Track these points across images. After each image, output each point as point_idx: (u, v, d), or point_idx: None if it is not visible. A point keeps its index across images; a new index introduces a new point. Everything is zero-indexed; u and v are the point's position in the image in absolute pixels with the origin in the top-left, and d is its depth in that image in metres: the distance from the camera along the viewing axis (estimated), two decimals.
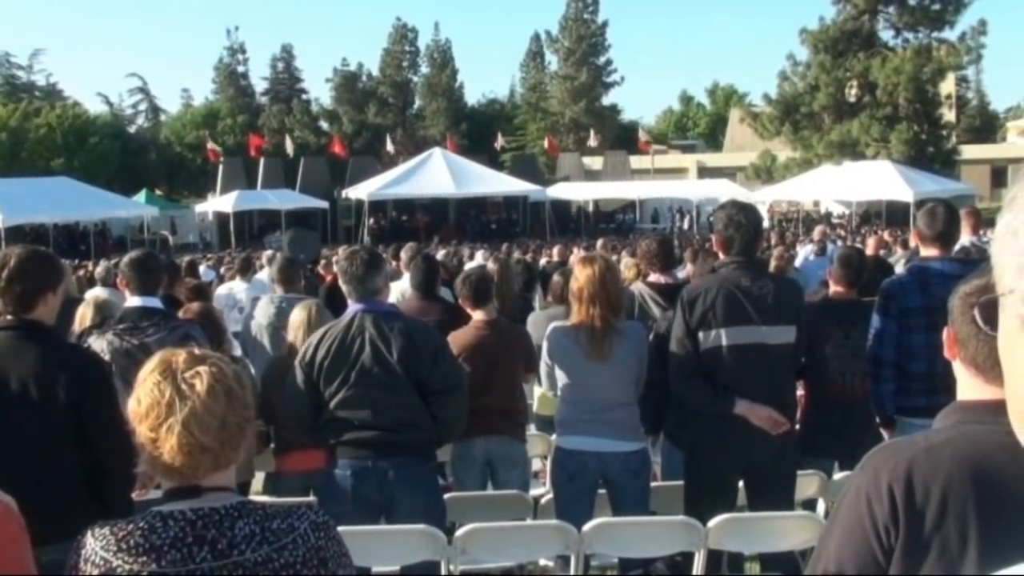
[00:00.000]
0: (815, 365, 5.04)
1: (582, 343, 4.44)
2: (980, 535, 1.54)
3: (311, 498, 4.70)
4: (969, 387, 1.73)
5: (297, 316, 5.09)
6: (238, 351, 6.46)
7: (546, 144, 45.38)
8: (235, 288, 10.76)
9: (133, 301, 4.53)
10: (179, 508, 1.87)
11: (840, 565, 1.64)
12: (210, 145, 44.57)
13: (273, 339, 6.13)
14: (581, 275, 4.47)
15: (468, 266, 11.69)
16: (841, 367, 5.03)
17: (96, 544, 1.82)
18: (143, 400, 1.88)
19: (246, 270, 11.44)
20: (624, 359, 4.46)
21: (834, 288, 5.32)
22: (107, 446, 3.18)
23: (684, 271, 7.32)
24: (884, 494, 1.60)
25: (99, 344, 4.31)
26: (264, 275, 10.70)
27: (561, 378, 4.59)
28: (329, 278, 10.04)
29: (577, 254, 12.21)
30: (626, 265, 7.12)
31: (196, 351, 1.95)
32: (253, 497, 3.27)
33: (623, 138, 56.19)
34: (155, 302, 4.58)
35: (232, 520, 1.86)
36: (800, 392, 5.22)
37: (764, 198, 33.87)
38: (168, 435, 1.84)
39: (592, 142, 44.42)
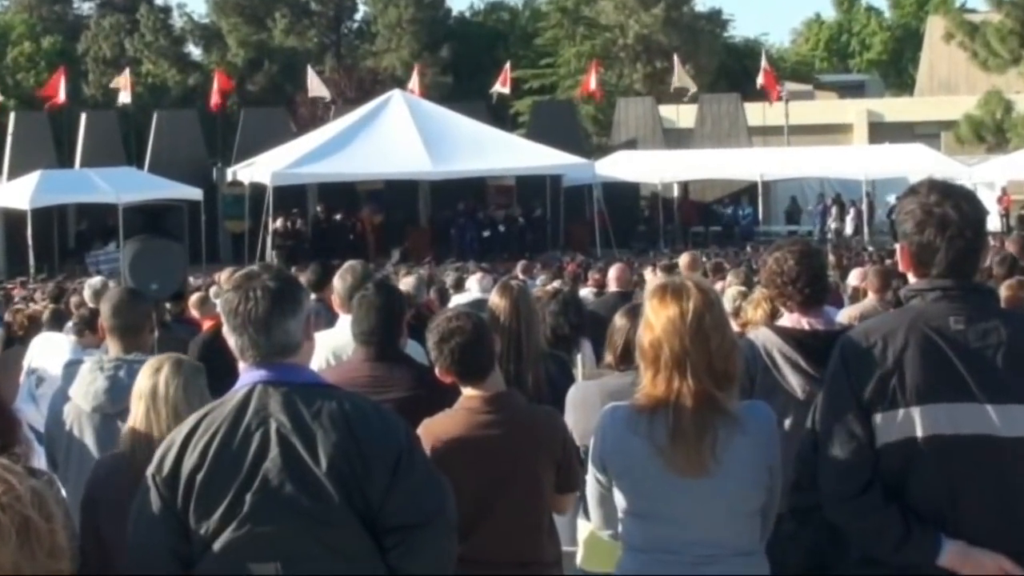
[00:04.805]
0: None
1: (661, 442, 4.44)
2: None
3: None
4: None
5: (142, 384, 5.08)
6: (41, 459, 6.47)
7: (592, 83, 45.50)
8: (38, 346, 10.78)
9: None
10: None
11: None
12: None
13: (101, 435, 6.15)
14: (658, 318, 4.49)
15: (456, 300, 11.73)
16: None
17: None
18: None
19: (58, 315, 11.48)
20: (740, 471, 4.48)
21: None
22: None
23: (849, 311, 7.30)
24: None
25: None
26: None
27: (625, 505, 4.59)
28: (207, 324, 10.07)
29: (652, 279, 12.22)
30: (752, 301, 7.12)
31: None
32: None
33: (734, 73, 56.44)
34: None
35: None
36: None
37: (991, 177, 33.89)
38: None
39: (677, 80, 44.62)
